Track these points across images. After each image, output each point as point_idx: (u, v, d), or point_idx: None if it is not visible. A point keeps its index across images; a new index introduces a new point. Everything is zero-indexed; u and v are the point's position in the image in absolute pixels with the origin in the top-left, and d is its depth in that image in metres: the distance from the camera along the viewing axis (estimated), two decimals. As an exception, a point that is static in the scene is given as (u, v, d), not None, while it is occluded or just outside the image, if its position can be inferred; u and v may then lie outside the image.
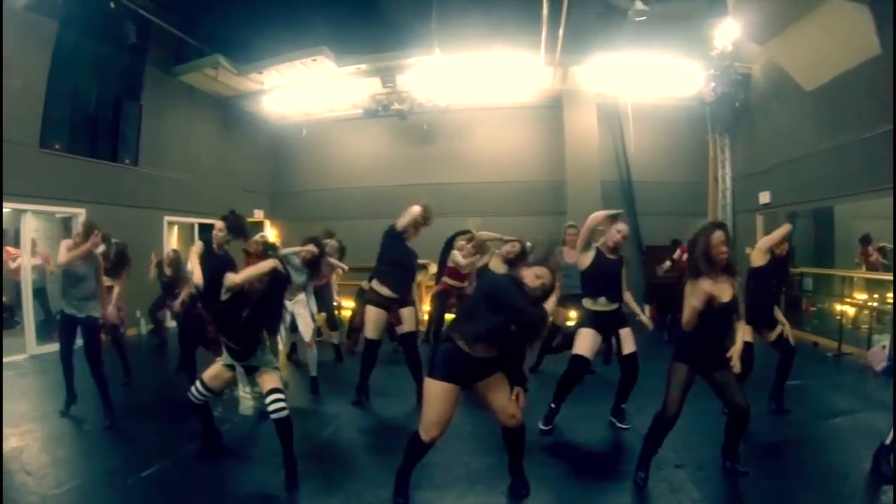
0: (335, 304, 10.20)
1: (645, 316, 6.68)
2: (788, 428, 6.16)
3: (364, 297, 7.49)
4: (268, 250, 8.30)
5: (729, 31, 11.46)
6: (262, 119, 17.03)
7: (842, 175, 9.87)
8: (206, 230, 14.25)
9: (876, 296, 10.28)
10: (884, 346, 8.69)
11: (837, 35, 9.24)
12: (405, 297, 7.22)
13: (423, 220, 7.00)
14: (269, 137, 17.76)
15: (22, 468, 5.19)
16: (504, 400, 4.33)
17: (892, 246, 9.86)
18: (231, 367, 5.17)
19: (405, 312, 7.23)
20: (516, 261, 7.47)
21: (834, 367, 9.11)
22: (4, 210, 11.09)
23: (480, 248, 8.79)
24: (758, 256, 6.59)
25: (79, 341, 6.77)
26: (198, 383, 5.21)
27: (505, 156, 16.05)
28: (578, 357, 5.98)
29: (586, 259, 6.08)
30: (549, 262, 4.46)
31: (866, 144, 9.24)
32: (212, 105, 15.40)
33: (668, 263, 11.34)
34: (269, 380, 5.03)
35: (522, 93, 15.33)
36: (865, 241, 10.61)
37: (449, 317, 10.41)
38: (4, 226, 12.48)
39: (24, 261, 10.74)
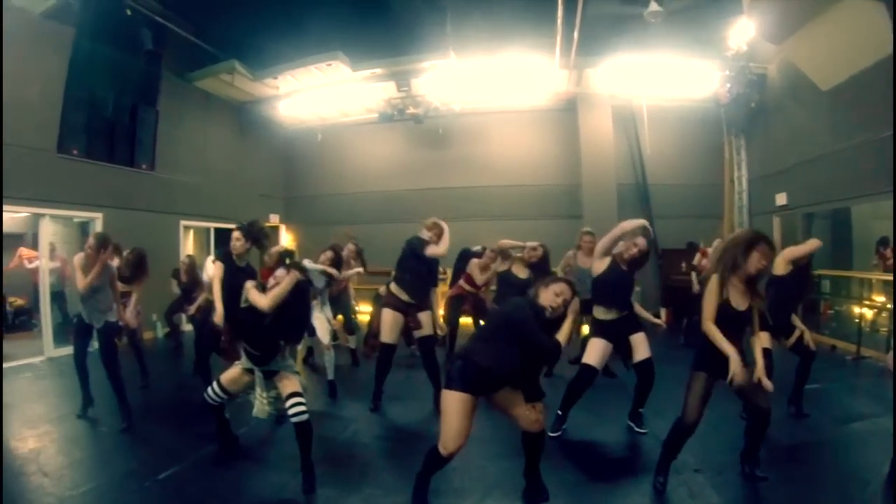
0: (353, 308, 10.19)
1: (656, 318, 6.63)
2: (807, 432, 6.10)
3: (381, 301, 7.47)
4: (284, 259, 8.34)
5: (744, 31, 11.42)
6: (278, 124, 17.09)
7: (859, 175, 9.78)
8: (221, 235, 14.38)
9: (895, 298, 10.20)
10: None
11: (854, 33, 9.17)
12: (423, 302, 7.20)
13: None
14: (285, 142, 17.84)
15: (39, 469, 5.21)
16: (524, 407, 4.32)
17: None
18: (250, 371, 5.18)
19: (423, 317, 7.19)
20: (539, 265, 7.47)
21: (852, 371, 9.01)
22: (22, 214, 11.21)
23: (502, 254, 8.77)
24: (780, 265, 6.48)
25: (95, 344, 6.83)
26: (215, 385, 5.22)
27: (520, 159, 16.03)
28: (587, 366, 5.96)
29: (601, 266, 6.02)
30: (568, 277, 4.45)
31: (884, 144, 9.10)
32: (227, 110, 15.48)
33: (683, 266, 11.31)
34: (288, 384, 5.02)
35: (537, 96, 15.31)
36: (883, 242, 10.50)
37: (464, 321, 10.46)
38: (22, 230, 12.63)
39: (42, 264, 10.79)
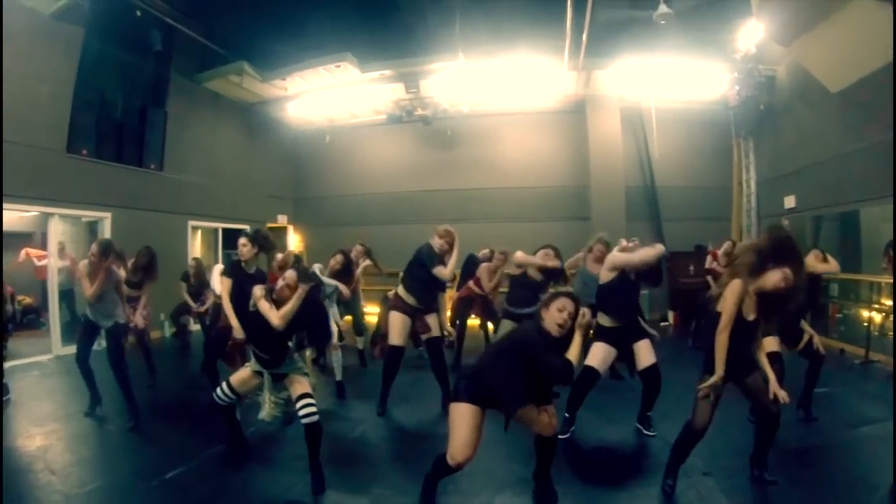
0: (362, 309, 10.18)
1: (652, 329, 6.59)
2: (817, 436, 6.06)
3: (388, 304, 7.46)
4: (290, 260, 8.38)
5: (752, 33, 11.39)
6: (286, 125, 17.13)
7: (869, 178, 9.72)
8: (229, 235, 14.43)
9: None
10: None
11: (863, 35, 9.11)
12: (430, 307, 7.19)
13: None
14: (293, 143, 17.87)
15: (46, 467, 5.22)
16: (536, 410, 4.31)
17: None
18: (259, 374, 5.19)
19: (430, 319, 7.17)
20: (549, 269, 7.45)
21: (861, 375, 8.95)
22: (31, 214, 11.27)
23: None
24: None
25: (102, 342, 6.86)
26: (224, 385, 5.22)
27: (529, 161, 16.01)
28: (589, 368, 5.92)
29: (609, 275, 6.01)
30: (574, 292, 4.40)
31: (894, 146, 9.12)
32: (236, 111, 15.51)
33: (691, 269, 11.28)
34: (299, 386, 5.02)
35: (546, 98, 15.28)
36: (893, 246, 10.46)
37: (472, 322, 10.46)
38: (31, 229, 12.70)
39: (50, 263, 10.84)
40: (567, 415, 6.06)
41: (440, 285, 7.12)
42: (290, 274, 5.03)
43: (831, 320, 11.65)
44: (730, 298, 4.39)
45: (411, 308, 7.02)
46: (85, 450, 5.85)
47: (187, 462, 5.37)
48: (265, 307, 4.91)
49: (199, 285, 10.40)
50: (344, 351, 8.20)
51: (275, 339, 4.98)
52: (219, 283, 7.26)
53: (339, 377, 7.83)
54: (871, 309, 10.25)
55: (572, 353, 4.10)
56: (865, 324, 10.19)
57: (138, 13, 11.08)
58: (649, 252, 5.84)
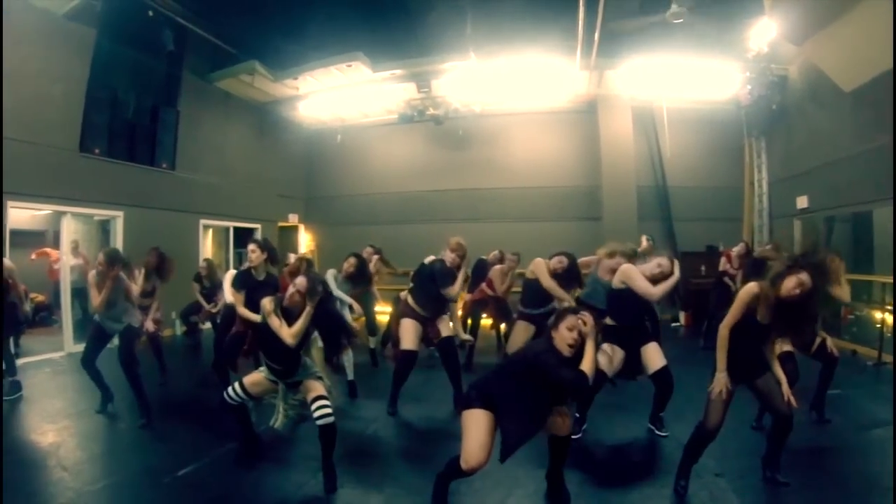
0: (374, 310, 10.17)
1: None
2: (829, 438, 6.01)
3: (398, 310, 7.43)
4: (303, 265, 8.40)
5: (765, 32, 11.33)
6: (298, 124, 17.19)
7: (881, 178, 9.63)
8: (240, 234, 14.48)
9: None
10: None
11: (876, 34, 9.03)
12: (438, 315, 7.17)
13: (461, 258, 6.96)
14: (305, 143, 17.91)
15: (58, 464, 5.24)
16: (551, 411, 4.32)
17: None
18: (274, 381, 5.20)
19: (441, 324, 7.15)
20: (564, 275, 7.41)
21: (874, 376, 8.88)
22: (44, 212, 11.33)
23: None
24: None
25: (114, 340, 6.89)
26: (236, 385, 5.20)
27: (540, 161, 16.02)
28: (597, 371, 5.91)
29: (622, 284, 5.99)
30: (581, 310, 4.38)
31: (894, 148, 9.07)
32: (247, 110, 15.55)
33: (703, 269, 11.26)
34: (313, 389, 5.01)
35: (557, 97, 15.27)
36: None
37: (484, 322, 10.47)
38: (43, 227, 12.77)
39: (62, 261, 10.90)
40: (578, 415, 6.04)
41: (448, 301, 7.11)
42: (301, 281, 5.00)
43: (843, 322, 11.59)
44: (740, 299, 4.41)
45: (421, 317, 7.02)
46: (96, 446, 5.87)
47: (199, 460, 5.37)
48: (275, 324, 4.90)
49: (212, 286, 10.44)
50: (355, 350, 8.20)
51: (287, 351, 4.96)
52: (230, 293, 7.28)
53: (350, 376, 7.81)
54: (883, 310, 10.17)
55: (586, 365, 4.08)
56: (878, 325, 10.11)
57: (150, 13, 11.11)
58: (667, 288, 5.80)
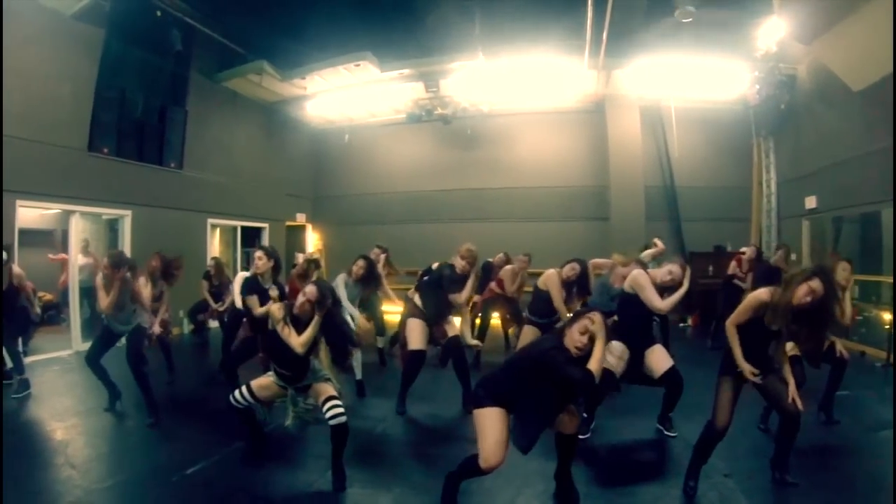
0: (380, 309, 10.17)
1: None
2: (838, 439, 5.99)
3: (405, 311, 7.41)
4: (310, 266, 8.42)
5: (773, 31, 11.28)
6: (305, 124, 17.23)
7: (890, 179, 9.62)
8: (248, 234, 14.52)
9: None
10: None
11: (886, 33, 8.96)
12: (445, 317, 7.18)
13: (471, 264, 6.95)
14: (312, 142, 17.95)
15: (67, 462, 5.26)
16: None
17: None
18: (283, 387, 5.19)
19: (447, 326, 7.15)
20: (576, 282, 7.40)
21: (882, 378, 8.84)
22: (53, 211, 11.37)
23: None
24: None
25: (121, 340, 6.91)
26: (244, 388, 5.18)
27: (548, 160, 16.01)
28: (605, 370, 5.88)
29: (633, 289, 5.98)
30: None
31: (894, 149, 9.03)
32: (255, 110, 15.56)
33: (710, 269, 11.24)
34: (323, 390, 5.03)
35: (565, 97, 15.28)
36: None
37: (493, 323, 10.47)
38: (52, 226, 12.81)
39: (70, 260, 10.93)
40: (586, 415, 6.02)
41: (454, 307, 7.10)
42: (311, 290, 4.98)
43: (852, 322, 11.54)
44: (748, 303, 4.45)
45: (427, 318, 7.02)
46: (105, 445, 5.89)
47: (207, 458, 5.38)
48: (285, 333, 4.91)
49: (220, 284, 10.47)
50: (363, 350, 8.20)
51: (296, 357, 4.96)
52: (239, 299, 7.31)
53: (358, 376, 7.80)
54: (892, 311, 10.13)
55: (593, 364, 4.06)
56: (887, 326, 10.05)
57: (158, 13, 11.14)
58: (675, 301, 5.79)
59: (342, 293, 7.58)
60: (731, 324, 4.48)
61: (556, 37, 12.34)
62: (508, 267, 10.02)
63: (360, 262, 7.98)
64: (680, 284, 5.74)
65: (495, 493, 4.69)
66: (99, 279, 6.62)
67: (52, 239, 13.03)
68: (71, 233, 10.90)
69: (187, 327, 12.67)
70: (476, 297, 10.13)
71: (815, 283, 4.18)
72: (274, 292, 6.63)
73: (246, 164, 15.21)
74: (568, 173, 15.88)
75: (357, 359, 7.76)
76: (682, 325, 13.68)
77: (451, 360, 7.17)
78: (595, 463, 5.40)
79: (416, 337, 7.00)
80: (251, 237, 15.33)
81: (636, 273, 5.97)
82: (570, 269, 7.43)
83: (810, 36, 10.69)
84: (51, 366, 9.37)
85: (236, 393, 5.20)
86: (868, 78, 10.00)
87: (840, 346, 6.35)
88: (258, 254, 6.82)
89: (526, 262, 10.02)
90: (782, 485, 4.70)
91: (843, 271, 6.55)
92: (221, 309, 10.23)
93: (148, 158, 11.97)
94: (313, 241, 17.79)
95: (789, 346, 4.88)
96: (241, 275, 7.72)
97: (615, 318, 5.99)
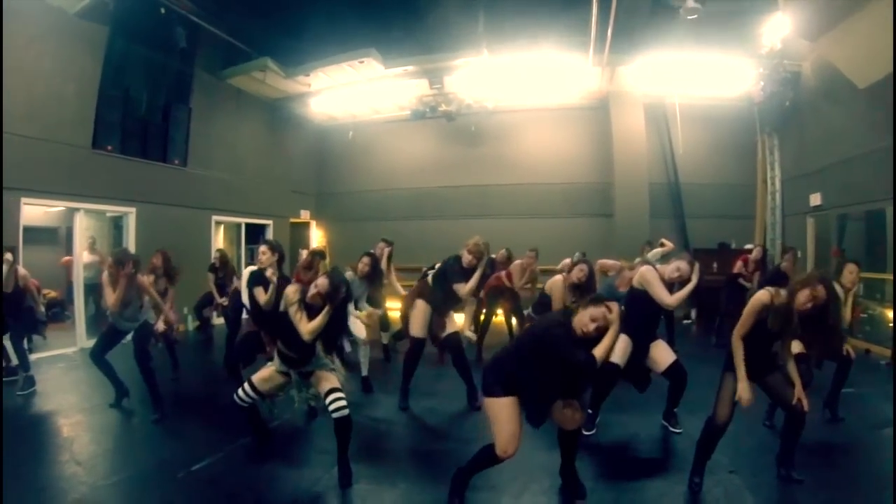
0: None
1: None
2: (843, 436, 6.00)
3: (414, 290, 7.38)
4: (315, 258, 8.42)
5: (778, 28, 11.25)
6: (309, 121, 17.26)
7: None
8: (252, 230, 14.54)
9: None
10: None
11: (891, 30, 8.98)
12: (450, 309, 7.17)
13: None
14: (316, 139, 17.98)
15: (72, 458, 5.27)
16: (561, 404, 4.30)
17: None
18: (285, 373, 5.18)
19: (449, 320, 7.12)
20: (584, 285, 7.38)
21: (887, 375, 8.77)
22: (58, 209, 11.39)
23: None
24: None
25: (128, 336, 6.93)
26: (246, 386, 5.18)
27: (552, 157, 16.01)
28: (610, 364, 5.86)
29: (641, 287, 5.96)
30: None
31: (894, 148, 9.01)
32: (259, 107, 15.56)
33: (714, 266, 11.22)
34: (326, 381, 5.00)
35: (570, 94, 15.28)
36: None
37: (498, 320, 10.49)
38: (56, 224, 12.83)
39: (76, 257, 10.94)
40: (590, 411, 6.01)
41: (458, 299, 7.07)
42: (323, 282, 4.91)
43: (856, 320, 11.52)
44: (751, 307, 4.43)
45: (434, 304, 7.00)
46: (110, 441, 5.90)
47: (213, 455, 5.38)
48: (297, 317, 4.87)
49: (226, 276, 10.48)
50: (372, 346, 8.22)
51: (304, 341, 4.95)
52: (246, 291, 7.31)
53: (364, 372, 7.84)
54: (894, 309, 10.10)
55: (599, 350, 4.04)
56: (891, 324, 10.04)
57: (162, 11, 11.14)
58: (683, 297, 5.80)
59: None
60: (737, 336, 4.44)
61: (561, 33, 12.33)
62: (518, 262, 10.08)
63: (365, 259, 7.99)
64: (688, 280, 5.73)
65: (502, 488, 4.69)
66: (105, 276, 6.65)
67: (57, 237, 13.07)
68: (75, 230, 10.90)
69: (192, 324, 12.69)
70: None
71: (819, 289, 4.18)
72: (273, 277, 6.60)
73: (250, 160, 15.24)
74: (572, 170, 15.89)
75: (364, 355, 7.82)
76: (685, 321, 13.68)
77: (451, 357, 7.16)
78: (601, 459, 5.40)
79: (419, 323, 7.02)
80: (255, 234, 15.33)
81: (644, 269, 5.94)
82: (579, 271, 7.43)
83: (815, 33, 10.68)
84: (56, 363, 9.37)
85: (239, 391, 5.20)
86: (873, 75, 9.98)
87: (846, 344, 6.35)
88: (262, 248, 6.82)
89: (533, 258, 10.09)
90: (788, 481, 4.70)
91: (849, 273, 6.53)
92: (225, 303, 10.23)
93: (152, 156, 12.00)
94: (317, 237, 17.80)
95: (795, 346, 4.88)
96: (249, 269, 7.73)
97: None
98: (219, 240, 14.41)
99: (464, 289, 6.69)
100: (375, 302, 9.34)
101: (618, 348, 5.79)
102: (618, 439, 6.00)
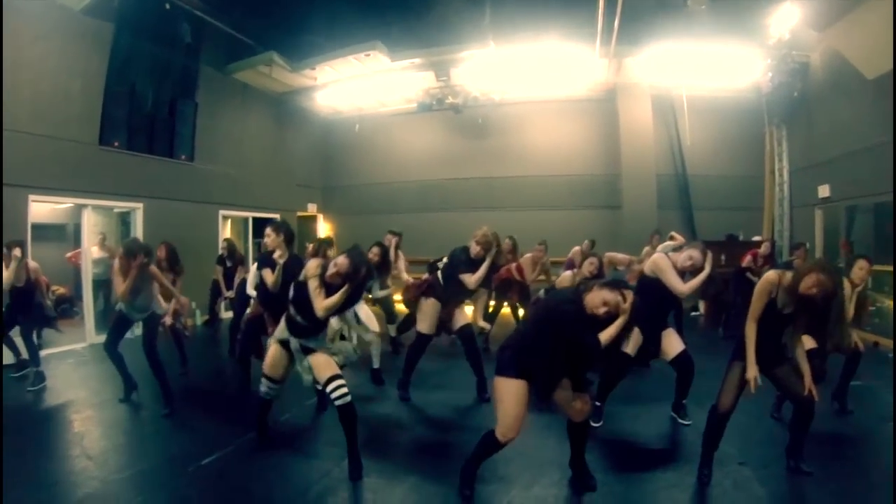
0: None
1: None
2: (851, 429, 6.00)
3: (423, 288, 7.39)
4: (322, 246, 8.41)
5: (786, 18, 11.20)
6: (316, 114, 17.26)
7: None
8: (259, 224, 14.56)
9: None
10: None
11: (899, 21, 8.96)
12: (460, 301, 7.17)
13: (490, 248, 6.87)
14: (323, 132, 17.98)
15: (83, 453, 5.29)
16: (570, 395, 4.29)
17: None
18: (285, 348, 5.16)
19: (458, 313, 7.14)
20: (595, 278, 7.38)
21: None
22: (66, 206, 11.42)
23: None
24: None
25: (136, 331, 6.98)
26: (263, 380, 5.24)
27: (559, 149, 15.97)
28: (621, 354, 5.80)
29: (653, 274, 5.94)
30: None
31: (894, 147, 8.96)
32: (265, 101, 15.57)
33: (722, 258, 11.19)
34: (326, 368, 4.95)
35: (577, 85, 15.23)
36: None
37: (506, 312, 10.50)
38: (64, 221, 12.87)
39: (84, 253, 10.98)
40: (598, 403, 6.00)
41: (467, 290, 7.05)
42: (342, 261, 4.84)
43: (867, 314, 11.45)
44: (760, 287, 4.43)
45: (443, 299, 7.00)
46: (121, 436, 5.91)
47: (222, 448, 5.39)
48: (314, 290, 4.81)
49: (234, 265, 10.49)
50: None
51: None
52: (252, 279, 7.33)
53: (376, 365, 7.88)
54: (893, 299, 10.06)
55: (605, 334, 4.03)
56: (896, 316, 10.01)
57: (167, 6, 11.13)
58: (696, 285, 5.73)
59: None
60: (751, 319, 4.44)
61: (567, 25, 12.30)
62: (528, 255, 10.15)
63: (375, 250, 8.03)
64: (700, 269, 5.70)
65: (512, 480, 4.69)
66: (116, 266, 6.68)
67: (65, 233, 13.10)
68: (83, 226, 10.94)
69: (200, 318, 12.73)
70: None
71: (824, 277, 4.17)
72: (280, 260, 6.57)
73: (256, 155, 15.26)
74: (579, 162, 15.86)
75: (375, 347, 7.81)
76: (693, 313, 13.64)
77: (464, 349, 7.15)
78: (610, 451, 5.39)
79: (427, 320, 7.02)
80: (262, 228, 15.29)
81: (657, 256, 5.92)
82: (590, 265, 7.47)
83: (824, 23, 10.63)
84: (66, 359, 9.41)
85: (261, 387, 5.26)
86: (882, 66, 9.92)
87: (855, 336, 6.32)
88: (266, 231, 6.77)
89: (543, 251, 10.17)
90: (797, 473, 4.70)
91: (859, 270, 6.49)
92: (232, 296, 10.24)
93: (159, 151, 12.03)
94: (324, 230, 17.80)
95: (808, 341, 4.86)
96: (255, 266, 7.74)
97: None
98: (226, 235, 14.42)
99: (471, 279, 6.66)
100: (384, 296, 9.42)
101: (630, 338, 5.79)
102: (627, 431, 5.99)
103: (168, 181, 12.22)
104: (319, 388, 5.45)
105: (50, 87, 9.81)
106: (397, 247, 9.61)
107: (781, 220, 14.16)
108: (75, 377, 8.31)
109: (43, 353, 8.39)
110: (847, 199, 11.69)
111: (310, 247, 8.61)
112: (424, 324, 7.03)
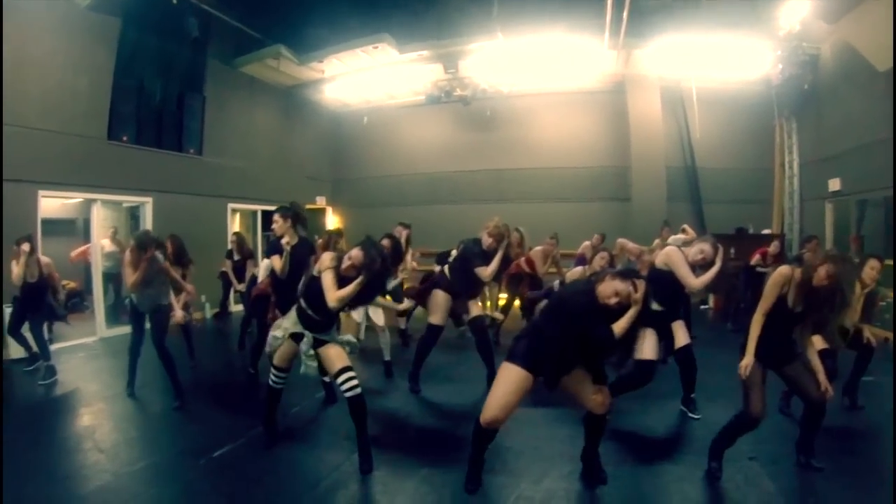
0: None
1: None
2: (862, 424, 5.98)
3: (432, 280, 7.39)
4: (332, 237, 8.43)
5: (797, 10, 11.14)
6: (324, 107, 17.23)
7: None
8: (268, 217, 14.58)
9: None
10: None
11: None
12: (471, 294, 7.17)
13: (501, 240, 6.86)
14: (331, 125, 17.98)
15: (95, 446, 5.31)
16: (590, 388, 4.28)
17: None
18: (296, 340, 5.11)
19: (471, 304, 7.14)
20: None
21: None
22: (75, 200, 11.47)
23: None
24: None
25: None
26: (272, 371, 5.24)
27: (568, 141, 15.93)
28: (646, 363, 5.77)
29: (665, 266, 5.93)
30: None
31: (894, 146, 8.90)
32: (273, 95, 15.58)
33: (732, 251, 11.17)
34: (337, 360, 4.94)
35: (586, 77, 15.17)
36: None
37: (516, 304, 10.51)
38: (73, 215, 12.92)
39: (95, 247, 11.02)
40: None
41: (480, 282, 7.05)
42: (356, 253, 4.85)
43: (876, 308, 11.38)
44: (773, 281, 4.40)
45: (453, 291, 7.00)
46: (132, 429, 5.93)
47: (233, 441, 5.41)
48: (328, 283, 4.80)
49: (243, 258, 10.51)
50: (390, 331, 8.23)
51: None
52: (264, 267, 7.35)
53: (387, 357, 7.89)
54: (893, 294, 9.99)
55: (618, 325, 4.03)
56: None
57: (174, 1, 11.13)
58: (708, 279, 5.69)
59: None
60: (759, 312, 4.42)
61: (576, 16, 12.23)
62: (538, 248, 10.17)
63: (386, 242, 8.01)
64: (712, 263, 5.68)
65: (521, 473, 4.69)
66: (127, 257, 6.69)
67: (75, 228, 13.15)
68: (92, 221, 10.99)
69: (210, 312, 12.77)
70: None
71: (835, 268, 4.16)
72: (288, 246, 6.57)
73: (265, 148, 15.29)
74: (589, 154, 15.81)
75: (385, 341, 7.83)
76: (703, 307, 13.64)
77: (475, 341, 7.18)
78: (620, 445, 5.37)
79: (438, 312, 7.02)
80: (271, 221, 15.33)
81: (670, 250, 5.91)
82: (601, 259, 7.43)
83: (834, 14, 10.58)
84: (76, 352, 9.46)
85: (271, 377, 5.27)
86: (893, 58, 9.86)
87: (868, 332, 6.29)
88: (274, 217, 6.79)
89: (553, 244, 10.20)
90: (808, 469, 4.69)
91: (870, 269, 6.43)
92: (243, 290, 10.27)
93: (167, 145, 12.07)
94: (333, 223, 17.81)
95: (819, 342, 4.85)
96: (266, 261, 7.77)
97: None
98: (235, 228, 14.44)
99: (485, 271, 6.66)
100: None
101: (647, 344, 5.78)
102: (637, 425, 5.96)
103: (177, 175, 12.26)
104: (327, 380, 5.46)
105: (58, 83, 9.85)
106: (408, 239, 9.63)
107: (791, 213, 14.11)
108: (86, 371, 8.35)
109: (54, 346, 8.46)
110: (858, 192, 11.63)
111: (320, 240, 8.62)
112: (437, 316, 7.02)
